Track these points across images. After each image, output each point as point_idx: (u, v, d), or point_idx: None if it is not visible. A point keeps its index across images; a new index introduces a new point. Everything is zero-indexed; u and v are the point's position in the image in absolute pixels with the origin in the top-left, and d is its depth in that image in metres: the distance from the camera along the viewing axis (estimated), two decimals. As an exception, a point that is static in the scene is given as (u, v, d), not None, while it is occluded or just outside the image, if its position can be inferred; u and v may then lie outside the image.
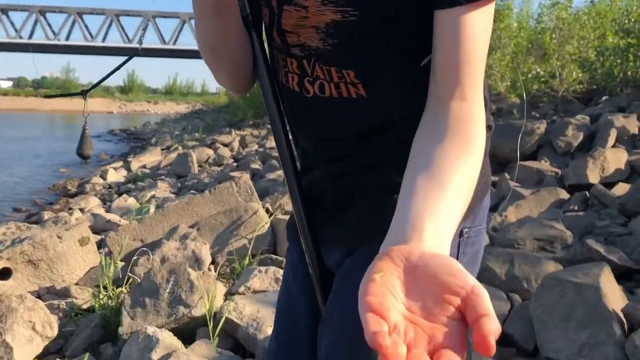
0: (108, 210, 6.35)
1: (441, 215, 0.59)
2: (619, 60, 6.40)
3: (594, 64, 6.88)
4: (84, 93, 1.03)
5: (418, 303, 0.49)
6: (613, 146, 4.64)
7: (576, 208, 3.68)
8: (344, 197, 0.90)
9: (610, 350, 1.96)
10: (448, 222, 0.59)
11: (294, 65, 0.85)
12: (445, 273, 0.49)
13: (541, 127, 5.38)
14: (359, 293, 0.51)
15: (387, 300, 0.49)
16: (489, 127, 0.86)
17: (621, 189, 3.79)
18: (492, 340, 0.43)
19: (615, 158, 4.15)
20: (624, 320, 2.08)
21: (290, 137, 0.94)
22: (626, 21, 6.85)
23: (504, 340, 2.30)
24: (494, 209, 3.77)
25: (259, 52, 0.89)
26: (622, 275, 2.60)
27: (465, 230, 0.86)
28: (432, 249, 0.54)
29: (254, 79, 0.94)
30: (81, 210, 6.62)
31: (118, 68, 1.03)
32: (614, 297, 2.16)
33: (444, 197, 0.61)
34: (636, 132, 4.92)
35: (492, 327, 0.44)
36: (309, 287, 0.95)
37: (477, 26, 0.71)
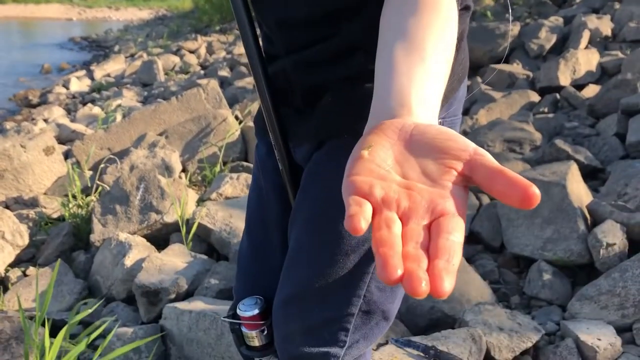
0: (73, 120, 6.18)
1: (427, 90, 0.55)
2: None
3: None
4: None
5: (415, 170, 0.46)
6: (585, 48, 4.61)
7: (546, 110, 3.70)
8: (311, 89, 0.85)
9: (573, 244, 2.03)
10: (435, 98, 0.56)
11: None
12: (443, 139, 0.46)
13: (514, 29, 5.29)
14: (345, 173, 0.47)
15: (375, 177, 0.45)
16: (466, 8, 0.81)
17: (591, 90, 3.81)
18: (534, 187, 0.40)
19: (586, 60, 4.13)
20: (588, 216, 2.15)
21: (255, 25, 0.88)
22: None
23: (471, 237, 2.37)
24: (465, 112, 3.77)
25: None
26: (589, 175, 2.66)
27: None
28: (424, 121, 0.51)
29: None
30: (45, 120, 6.43)
31: None
32: (579, 194, 2.21)
33: (427, 71, 0.57)
34: (609, 33, 4.88)
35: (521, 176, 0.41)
36: (278, 183, 0.94)
37: None
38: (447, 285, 0.37)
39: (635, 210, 2.13)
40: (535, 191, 0.40)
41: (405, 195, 0.44)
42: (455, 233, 0.40)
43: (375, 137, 0.48)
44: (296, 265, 0.81)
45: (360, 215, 0.41)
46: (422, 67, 0.57)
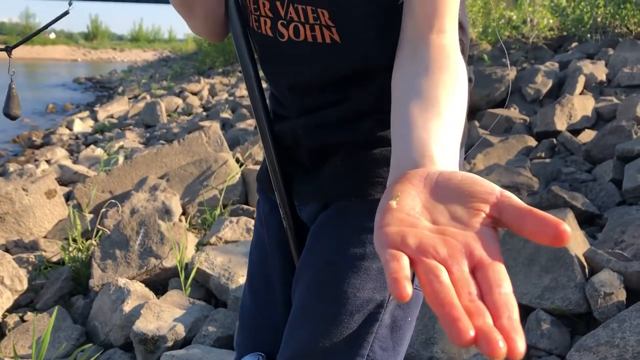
0: (75, 162, 6.23)
1: (446, 142, 0.57)
2: (589, 7, 6.39)
3: (565, 10, 6.86)
4: (9, 49, 0.96)
5: (444, 215, 0.46)
6: (581, 93, 4.68)
7: (543, 155, 3.74)
8: (319, 150, 0.87)
9: (571, 293, 2.03)
10: (454, 149, 0.58)
11: (267, 7, 0.82)
12: (469, 183, 0.47)
13: (511, 73, 5.39)
14: (375, 225, 0.47)
15: (406, 226, 0.45)
16: (469, 80, 0.84)
17: (587, 135, 3.86)
18: (564, 224, 0.40)
19: (582, 105, 4.19)
20: (585, 264, 2.15)
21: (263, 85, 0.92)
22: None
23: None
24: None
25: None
26: (585, 221, 2.68)
27: None
28: (447, 169, 0.52)
29: (228, 26, 0.91)
30: (47, 161, 6.48)
31: (48, 25, 0.98)
32: (576, 242, 2.22)
33: (444, 126, 0.59)
34: (604, 78, 4.97)
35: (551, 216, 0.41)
36: (282, 240, 0.94)
37: None
38: (521, 345, 0.36)
39: (632, 259, 2.14)
40: (566, 228, 0.40)
41: (440, 240, 0.43)
42: (504, 284, 0.40)
43: (401, 187, 0.49)
44: (300, 324, 0.81)
45: (404, 279, 0.40)
46: (438, 122, 0.59)
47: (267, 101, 0.92)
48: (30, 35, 1.01)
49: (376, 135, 0.83)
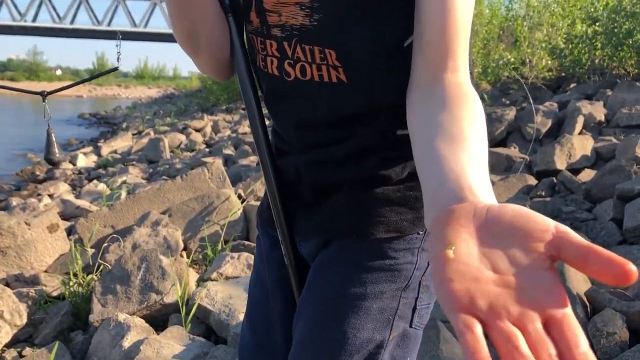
0: (78, 196, 6.26)
1: (479, 174, 0.56)
2: (586, 48, 6.51)
3: (563, 52, 6.99)
4: (44, 95, 0.99)
5: (504, 261, 0.44)
6: (580, 133, 4.74)
7: (543, 194, 3.76)
8: (321, 187, 0.87)
9: (573, 332, 2.02)
10: (487, 183, 0.56)
11: (274, 47, 0.83)
12: (523, 221, 0.44)
13: (510, 113, 5.46)
14: (436, 280, 0.45)
15: (469, 280, 0.43)
16: None
17: (587, 175, 3.89)
18: (630, 264, 0.39)
19: (581, 145, 4.24)
20: (587, 303, 2.15)
21: (267, 122, 0.93)
22: (592, 9, 6.95)
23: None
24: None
25: (235, 36, 0.87)
26: (586, 259, 2.68)
27: None
28: (490, 202, 0.50)
29: (234, 65, 0.92)
30: (50, 196, 6.51)
31: (92, 78, 1.01)
32: (578, 281, 2.22)
33: (473, 158, 0.58)
34: (602, 119, 5.03)
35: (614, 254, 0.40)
36: (283, 277, 0.94)
37: None
38: None
39: (635, 298, 2.13)
40: (632, 268, 0.39)
41: (509, 297, 0.42)
42: (581, 342, 0.39)
43: (452, 232, 0.47)
44: None
45: (482, 352, 0.39)
46: (467, 154, 0.59)
47: (270, 136, 0.93)
48: (69, 86, 1.04)
49: (379, 174, 0.83)
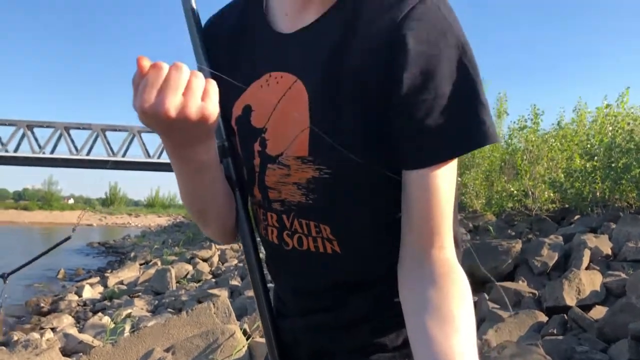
0: (81, 330, 6.15)
1: (468, 354, 0.63)
2: (586, 182, 6.67)
3: (563, 185, 7.16)
4: (5, 276, 1.05)
5: None
6: (587, 267, 4.72)
7: (555, 332, 3.68)
8: (318, 351, 0.91)
9: None
10: (475, 357, 0.63)
11: (274, 219, 0.90)
12: None
13: (517, 246, 5.48)
14: None
15: None
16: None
17: (598, 312, 3.82)
18: None
19: (590, 280, 4.21)
20: None
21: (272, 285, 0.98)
22: (589, 145, 7.22)
23: None
24: (474, 331, 3.74)
25: (241, 208, 0.93)
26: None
27: None
28: None
29: (238, 232, 0.97)
30: (53, 329, 6.40)
31: (47, 251, 1.08)
32: None
33: (463, 340, 0.65)
34: (609, 252, 5.04)
35: None
36: None
37: (446, 180, 0.77)
38: None
39: None
40: None
41: None
42: None
43: None
44: None
45: None
46: (458, 336, 0.65)
47: (272, 298, 0.97)
48: (28, 263, 1.09)
49: (374, 342, 0.87)
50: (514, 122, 10.12)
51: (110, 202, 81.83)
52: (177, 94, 0.70)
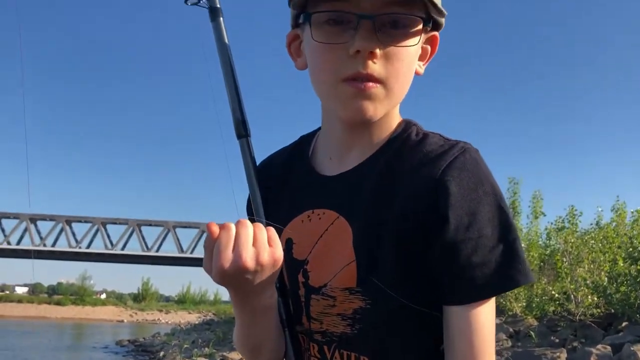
0: None
1: None
2: (633, 287, 6.40)
3: (607, 289, 6.88)
4: None
5: None
6: (641, 381, 4.42)
7: None
8: None
9: None
10: None
11: (315, 349, 0.92)
12: None
13: (562, 356, 5.21)
14: None
15: None
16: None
17: None
18: None
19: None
20: None
21: None
22: (631, 249, 7.00)
23: None
24: None
25: (289, 345, 0.94)
26: None
27: None
28: None
29: None
30: None
31: None
32: None
33: None
34: (663, 365, 4.73)
35: None
36: None
37: (488, 316, 0.82)
38: None
39: None
40: None
41: None
42: None
43: None
44: None
45: None
46: None
47: None
48: None
49: None
50: (551, 223, 9.92)
51: (142, 297, 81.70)
52: (249, 246, 0.78)
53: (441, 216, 0.82)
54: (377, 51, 0.83)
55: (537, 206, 10.93)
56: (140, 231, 74.37)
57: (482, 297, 0.81)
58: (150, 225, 76.03)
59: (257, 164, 1.02)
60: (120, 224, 75.28)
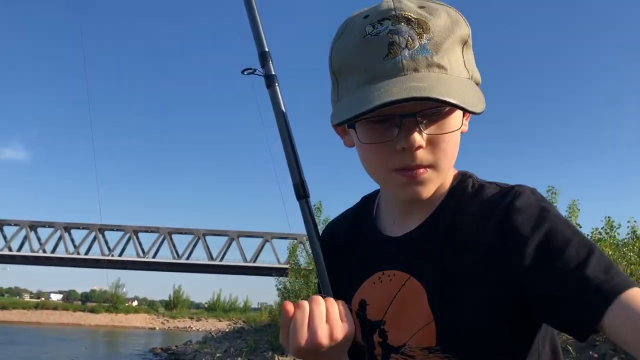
0: None
1: None
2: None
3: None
4: None
5: None
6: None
7: None
8: None
9: None
10: None
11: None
12: None
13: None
14: None
15: None
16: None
17: None
18: None
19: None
20: None
21: None
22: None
23: None
24: None
25: None
26: None
27: None
28: None
29: None
30: None
31: None
32: None
33: None
34: None
35: None
36: None
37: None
38: None
39: None
40: None
41: None
42: None
43: None
44: None
45: None
46: None
47: None
48: None
49: None
50: (588, 235, 9.75)
51: (173, 305, 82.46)
52: (323, 324, 0.84)
53: (518, 255, 0.81)
54: (423, 143, 0.85)
55: (573, 217, 10.72)
56: (171, 239, 75.26)
57: (620, 289, 0.73)
58: (180, 233, 76.88)
59: (325, 227, 1.08)
60: (151, 232, 76.33)
